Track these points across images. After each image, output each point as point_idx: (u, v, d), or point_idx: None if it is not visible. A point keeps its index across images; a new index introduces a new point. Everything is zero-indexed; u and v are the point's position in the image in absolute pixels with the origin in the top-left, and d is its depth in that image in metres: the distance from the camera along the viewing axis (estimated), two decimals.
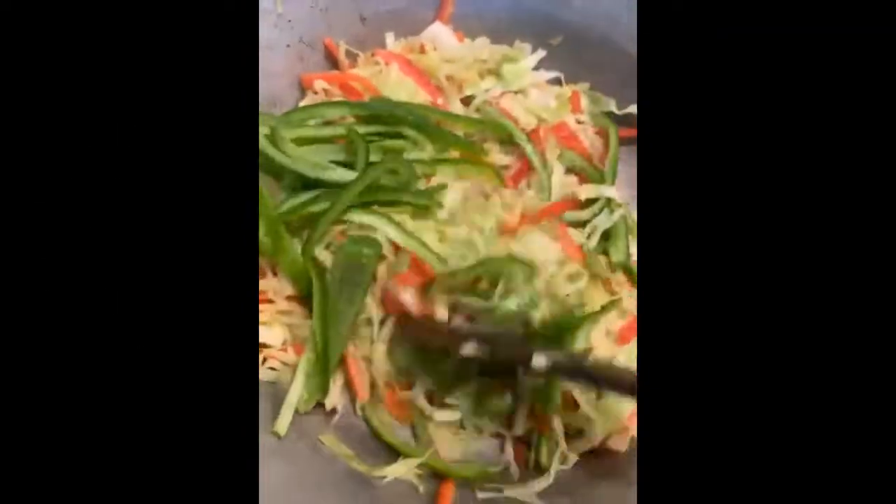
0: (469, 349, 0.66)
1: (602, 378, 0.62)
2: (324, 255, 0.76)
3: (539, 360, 0.62)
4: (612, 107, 0.97)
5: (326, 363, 0.71)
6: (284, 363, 0.75)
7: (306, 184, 0.78)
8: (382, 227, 0.76)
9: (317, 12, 0.91)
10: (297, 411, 0.71)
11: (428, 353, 0.73)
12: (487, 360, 0.66)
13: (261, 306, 0.76)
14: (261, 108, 0.87)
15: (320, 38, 0.93)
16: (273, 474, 0.66)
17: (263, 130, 0.78)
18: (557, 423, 0.73)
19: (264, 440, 0.69)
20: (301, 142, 0.80)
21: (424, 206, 0.80)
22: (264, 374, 0.74)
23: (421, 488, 0.71)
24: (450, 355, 0.69)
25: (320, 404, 0.74)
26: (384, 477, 0.71)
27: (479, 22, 0.99)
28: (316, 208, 0.76)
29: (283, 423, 0.70)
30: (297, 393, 0.71)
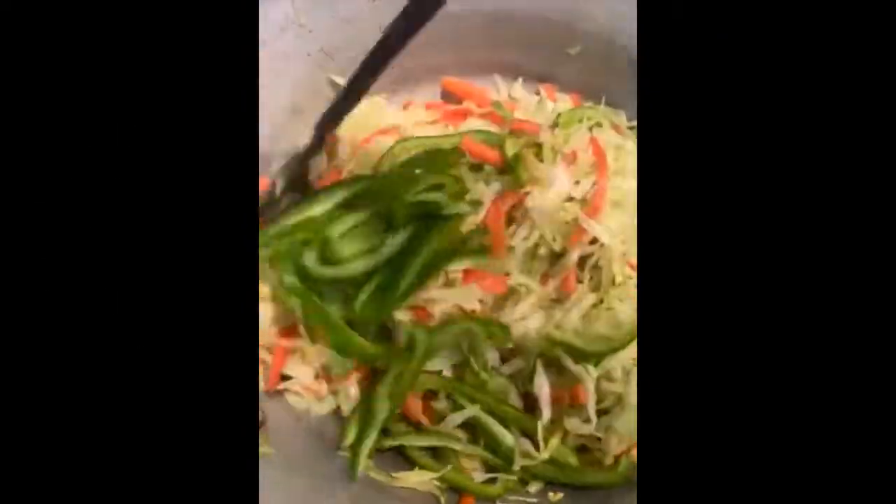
0: None
1: None
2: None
3: None
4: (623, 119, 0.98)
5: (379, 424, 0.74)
6: (314, 393, 0.78)
7: None
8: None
9: (338, 22, 0.91)
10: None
11: None
12: None
13: None
14: (283, 117, 0.88)
15: (340, 47, 0.93)
16: (293, 485, 0.67)
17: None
18: (546, 403, 0.74)
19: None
20: None
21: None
22: (296, 401, 0.77)
23: (443, 499, 0.73)
24: None
25: (335, 411, 0.77)
26: (402, 486, 0.73)
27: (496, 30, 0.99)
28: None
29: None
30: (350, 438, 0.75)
